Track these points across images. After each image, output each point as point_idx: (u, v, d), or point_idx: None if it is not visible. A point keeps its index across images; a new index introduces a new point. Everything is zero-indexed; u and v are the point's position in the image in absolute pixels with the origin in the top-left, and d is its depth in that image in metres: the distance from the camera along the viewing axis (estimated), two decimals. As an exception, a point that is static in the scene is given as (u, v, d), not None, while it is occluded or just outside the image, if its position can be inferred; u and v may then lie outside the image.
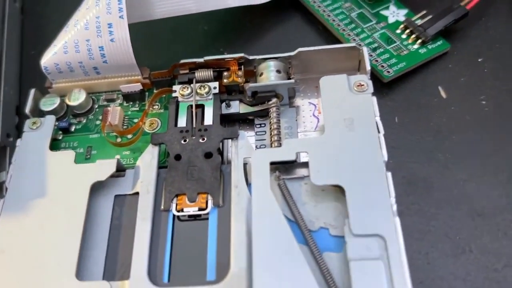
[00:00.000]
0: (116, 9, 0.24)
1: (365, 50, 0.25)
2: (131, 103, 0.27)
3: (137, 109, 0.26)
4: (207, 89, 0.25)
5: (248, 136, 0.24)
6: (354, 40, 0.27)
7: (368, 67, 0.24)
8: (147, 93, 0.27)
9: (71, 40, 0.25)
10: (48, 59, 0.26)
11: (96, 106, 0.27)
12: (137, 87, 0.26)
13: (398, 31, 0.27)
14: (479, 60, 0.26)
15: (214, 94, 0.25)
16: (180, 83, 0.26)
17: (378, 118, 0.22)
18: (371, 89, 0.23)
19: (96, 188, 0.23)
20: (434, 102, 0.25)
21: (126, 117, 0.26)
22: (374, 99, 0.23)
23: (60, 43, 0.25)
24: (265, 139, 0.25)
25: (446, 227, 0.22)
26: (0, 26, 0.29)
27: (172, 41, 0.30)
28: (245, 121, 0.25)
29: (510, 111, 0.24)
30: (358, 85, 0.24)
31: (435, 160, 0.24)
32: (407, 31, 0.27)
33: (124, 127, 0.26)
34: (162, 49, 0.30)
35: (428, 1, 0.28)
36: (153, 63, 0.27)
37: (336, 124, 0.23)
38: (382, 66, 0.26)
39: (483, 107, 0.25)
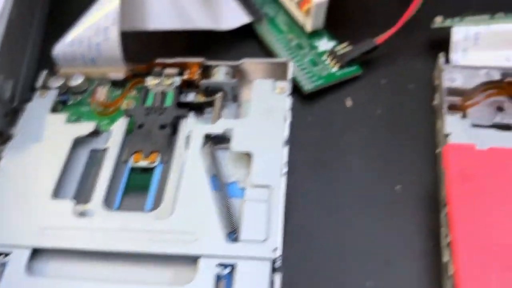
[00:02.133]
0: (112, 18, 0.33)
1: (290, 64, 0.33)
2: (117, 88, 0.35)
3: (120, 93, 0.35)
4: (171, 81, 0.33)
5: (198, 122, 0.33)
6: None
7: (290, 76, 0.32)
8: (129, 82, 0.35)
9: (77, 37, 0.34)
10: (58, 49, 0.34)
11: (90, 88, 0.35)
12: (121, 76, 0.35)
13: (324, 57, 0.35)
14: (382, 82, 0.34)
15: (176, 86, 0.33)
16: (152, 75, 0.34)
17: (288, 112, 0.30)
18: (288, 91, 0.32)
19: (78, 143, 0.31)
20: (340, 108, 0.33)
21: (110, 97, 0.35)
22: (289, 98, 0.31)
23: (69, 38, 0.34)
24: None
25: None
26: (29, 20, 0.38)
27: (157, 40, 0.38)
28: (198, 109, 0.34)
29: (398, 118, 0.33)
30: (280, 88, 0.32)
31: (334, 147, 0.32)
32: (330, 57, 0.35)
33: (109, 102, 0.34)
34: (146, 46, 0.38)
35: (353, 36, 0.36)
36: (138, 57, 0.35)
37: (257, 111, 0.31)
38: (305, 82, 0.34)
39: (377, 114, 0.33)
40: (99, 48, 0.34)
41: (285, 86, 0.32)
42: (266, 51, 0.37)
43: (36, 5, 0.40)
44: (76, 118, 0.33)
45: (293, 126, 0.32)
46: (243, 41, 0.38)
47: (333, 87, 0.34)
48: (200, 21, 0.37)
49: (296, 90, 0.34)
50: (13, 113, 0.34)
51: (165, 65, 0.34)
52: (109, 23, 0.33)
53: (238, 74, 0.34)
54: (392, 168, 0.30)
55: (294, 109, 0.33)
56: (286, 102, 0.31)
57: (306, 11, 0.35)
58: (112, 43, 0.33)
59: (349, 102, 0.34)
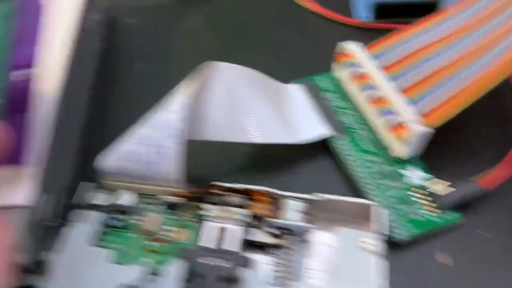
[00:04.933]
0: (174, 135, 0.28)
1: (384, 212, 0.27)
2: (170, 210, 0.30)
3: (173, 217, 0.30)
4: (234, 214, 0.28)
5: (264, 263, 0.27)
6: (376, 196, 0.29)
7: (383, 229, 0.27)
8: (186, 204, 0.30)
9: (127, 150, 0.29)
10: (103, 160, 0.29)
11: (140, 207, 0.30)
12: (176, 199, 0.29)
13: (417, 194, 0.29)
14: (487, 235, 0.28)
15: (241, 220, 0.28)
16: (211, 203, 0.29)
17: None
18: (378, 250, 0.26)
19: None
20: (440, 269, 0.27)
21: (163, 224, 0.30)
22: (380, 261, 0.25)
23: (117, 150, 0.29)
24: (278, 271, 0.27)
25: None
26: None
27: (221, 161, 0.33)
28: (260, 249, 0.28)
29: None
30: (363, 241, 0.26)
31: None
32: (425, 197, 0.29)
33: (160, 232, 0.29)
34: (210, 166, 0.33)
35: (453, 171, 0.30)
36: (198, 177, 0.30)
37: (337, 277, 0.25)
38: (397, 227, 0.28)
39: (485, 279, 0.27)
40: (153, 166, 0.29)
41: (370, 241, 0.26)
42: (341, 170, 0.32)
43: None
44: (120, 256, 0.28)
45: None
46: (317, 154, 0.33)
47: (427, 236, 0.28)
48: (279, 136, 0.31)
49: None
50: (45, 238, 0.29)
51: (225, 190, 0.29)
52: (171, 141, 0.28)
53: (312, 209, 0.29)
54: None
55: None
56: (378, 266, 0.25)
57: (398, 136, 0.30)
58: (173, 164, 0.28)
59: (442, 258, 0.28)
